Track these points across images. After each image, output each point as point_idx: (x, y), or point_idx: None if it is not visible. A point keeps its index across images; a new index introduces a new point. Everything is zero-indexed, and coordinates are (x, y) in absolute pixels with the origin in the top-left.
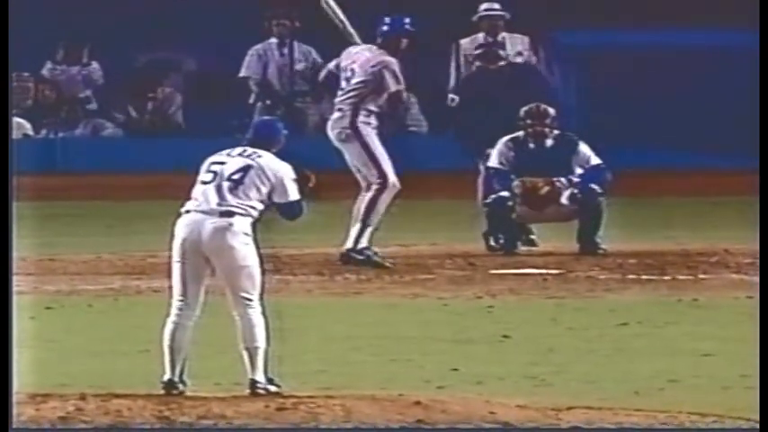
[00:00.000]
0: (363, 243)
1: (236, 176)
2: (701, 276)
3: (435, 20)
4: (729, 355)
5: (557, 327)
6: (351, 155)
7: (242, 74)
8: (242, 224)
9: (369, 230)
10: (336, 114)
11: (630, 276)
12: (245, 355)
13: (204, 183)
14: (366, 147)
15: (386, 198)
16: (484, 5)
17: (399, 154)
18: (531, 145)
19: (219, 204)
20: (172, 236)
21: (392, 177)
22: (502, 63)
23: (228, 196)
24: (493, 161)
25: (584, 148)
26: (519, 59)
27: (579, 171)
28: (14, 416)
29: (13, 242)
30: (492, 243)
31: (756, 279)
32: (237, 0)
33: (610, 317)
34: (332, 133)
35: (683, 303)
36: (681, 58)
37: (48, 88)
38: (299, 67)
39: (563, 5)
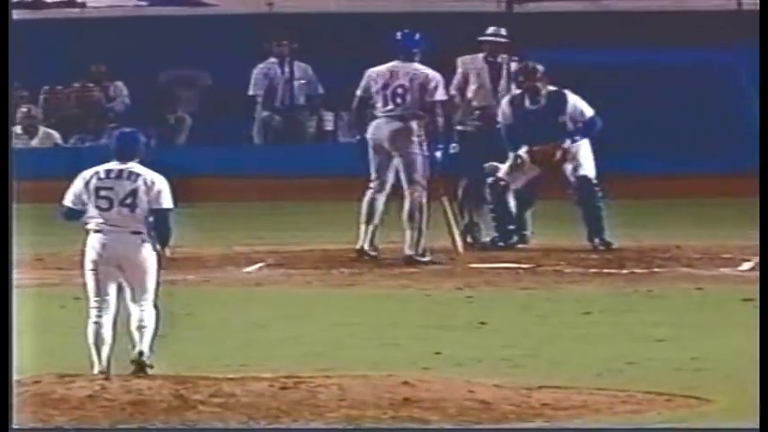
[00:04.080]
0: (423, 246)
1: (128, 201)
2: (656, 270)
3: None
4: (681, 340)
5: (528, 315)
6: (410, 164)
7: (251, 92)
8: (146, 236)
9: (425, 234)
10: (397, 125)
11: (593, 270)
12: (136, 334)
13: (101, 209)
14: (425, 157)
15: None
16: (490, 29)
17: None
18: (527, 103)
19: (124, 226)
20: (83, 250)
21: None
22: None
23: (129, 218)
24: (499, 119)
25: (573, 99)
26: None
27: (571, 126)
28: (43, 395)
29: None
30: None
31: (705, 273)
32: (242, 23)
33: (575, 306)
34: (390, 144)
35: (639, 294)
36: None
37: (76, 102)
38: (297, 82)
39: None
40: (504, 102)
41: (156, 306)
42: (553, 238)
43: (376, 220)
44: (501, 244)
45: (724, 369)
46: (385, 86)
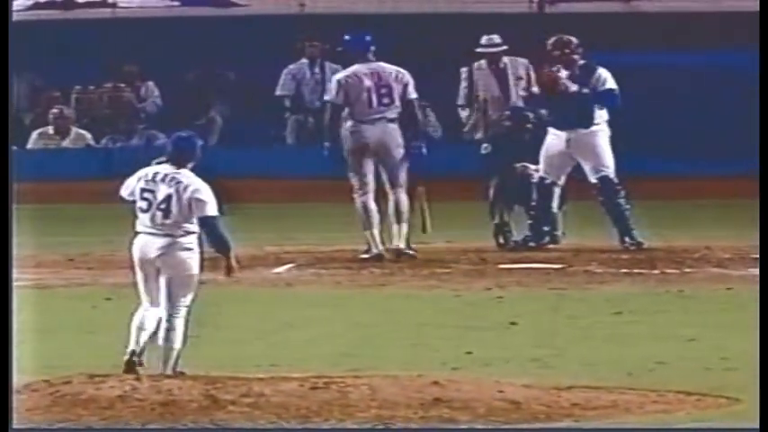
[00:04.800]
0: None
1: (162, 206)
2: (686, 270)
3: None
4: (711, 340)
5: (558, 315)
6: (395, 165)
7: (278, 92)
8: (183, 241)
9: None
10: (387, 126)
11: (624, 270)
12: (163, 351)
13: (142, 210)
14: (406, 156)
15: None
16: (484, 38)
17: (419, 160)
18: (564, 75)
19: (160, 229)
20: (130, 252)
21: None
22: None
23: (164, 222)
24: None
25: (602, 71)
26: (521, 83)
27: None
28: (73, 394)
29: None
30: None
31: (735, 273)
32: (273, 24)
33: (605, 306)
34: (378, 146)
35: (671, 294)
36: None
37: (108, 102)
38: (327, 84)
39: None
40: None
41: (179, 315)
42: (583, 239)
43: (376, 223)
44: (532, 244)
45: (754, 369)
46: (369, 89)
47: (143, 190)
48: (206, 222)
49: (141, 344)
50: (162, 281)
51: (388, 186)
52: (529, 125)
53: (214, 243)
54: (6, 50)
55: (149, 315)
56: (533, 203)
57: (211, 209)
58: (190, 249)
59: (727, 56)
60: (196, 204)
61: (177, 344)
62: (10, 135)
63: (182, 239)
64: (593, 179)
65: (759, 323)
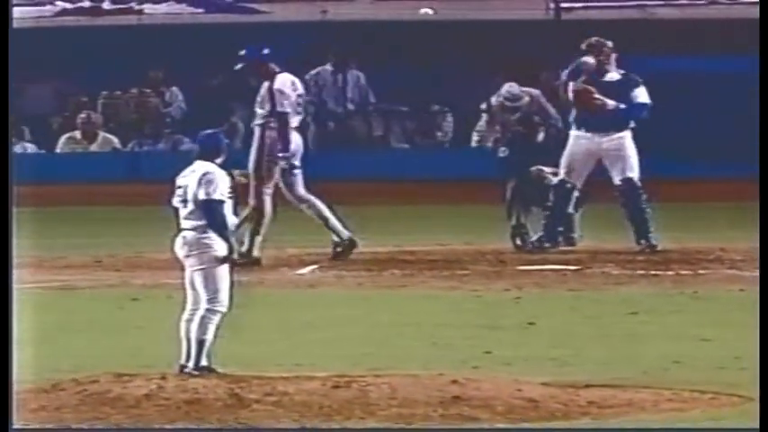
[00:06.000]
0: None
1: (183, 197)
2: (701, 272)
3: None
4: (725, 339)
5: (575, 315)
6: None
7: None
8: (204, 233)
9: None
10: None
11: (640, 272)
12: (195, 344)
13: (175, 208)
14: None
15: None
16: (504, 90)
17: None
18: (597, 76)
19: (184, 223)
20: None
21: None
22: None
23: (187, 214)
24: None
25: (642, 89)
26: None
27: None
28: (100, 394)
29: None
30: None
31: (748, 274)
32: (298, 30)
33: (621, 307)
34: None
35: (685, 295)
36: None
37: (134, 107)
38: (349, 89)
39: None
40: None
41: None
42: (600, 241)
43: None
44: (547, 245)
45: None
46: (294, 99)
47: (177, 188)
48: (208, 205)
49: (192, 356)
50: (193, 274)
51: (303, 192)
52: (540, 129)
53: (213, 225)
54: (6, 51)
55: (192, 319)
56: (549, 205)
57: (215, 192)
58: (211, 239)
59: (747, 61)
60: (203, 187)
61: (209, 336)
62: (10, 135)
63: (202, 231)
64: (617, 181)
65: (759, 322)
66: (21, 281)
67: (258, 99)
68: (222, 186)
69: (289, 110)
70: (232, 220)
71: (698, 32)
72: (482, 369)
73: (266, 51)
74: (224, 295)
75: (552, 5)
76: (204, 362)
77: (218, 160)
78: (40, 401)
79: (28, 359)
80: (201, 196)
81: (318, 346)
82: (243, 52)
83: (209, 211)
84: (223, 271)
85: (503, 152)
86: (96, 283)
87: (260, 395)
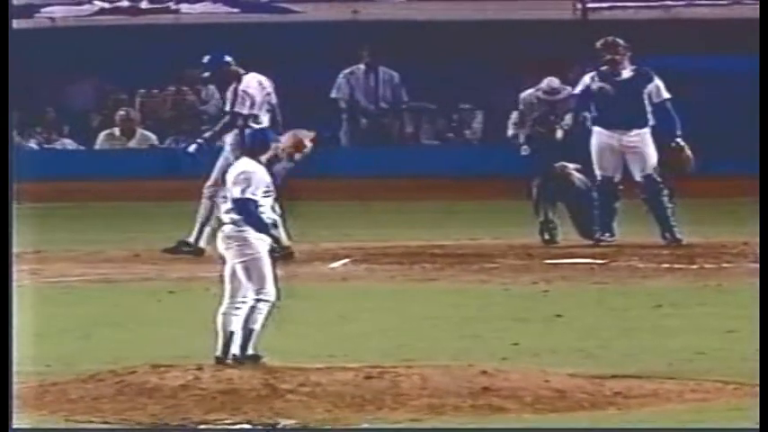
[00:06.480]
0: None
1: (226, 195)
2: (724, 265)
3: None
4: (748, 331)
5: (601, 308)
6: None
7: (333, 95)
8: (240, 227)
9: None
10: None
11: (665, 265)
12: (242, 333)
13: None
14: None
15: None
16: (545, 84)
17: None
18: (610, 76)
19: (224, 217)
20: None
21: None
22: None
23: (229, 212)
24: (578, 89)
25: (657, 81)
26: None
27: (650, 108)
28: (137, 384)
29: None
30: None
31: None
32: (328, 30)
33: (647, 300)
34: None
35: (709, 288)
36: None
37: (171, 105)
38: (382, 88)
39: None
40: (588, 76)
41: (262, 298)
42: (626, 236)
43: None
44: (610, 238)
45: None
46: (261, 98)
47: (223, 183)
48: (241, 203)
49: (230, 348)
50: (235, 267)
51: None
52: (557, 128)
53: (248, 221)
54: (6, 51)
55: (235, 313)
56: (596, 203)
57: (247, 191)
58: (248, 233)
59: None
60: (238, 186)
61: (257, 325)
62: (10, 135)
63: (241, 225)
64: (638, 178)
65: (759, 321)
66: (61, 274)
67: (227, 101)
68: (256, 186)
69: (255, 111)
70: (270, 216)
71: (724, 31)
72: (510, 360)
73: (228, 59)
74: (270, 286)
75: (579, 6)
76: (251, 351)
77: (264, 157)
78: (78, 392)
79: (67, 351)
80: (236, 194)
81: (351, 338)
82: (206, 59)
83: (242, 210)
84: (266, 262)
85: (524, 150)
86: (134, 277)
87: (294, 386)
